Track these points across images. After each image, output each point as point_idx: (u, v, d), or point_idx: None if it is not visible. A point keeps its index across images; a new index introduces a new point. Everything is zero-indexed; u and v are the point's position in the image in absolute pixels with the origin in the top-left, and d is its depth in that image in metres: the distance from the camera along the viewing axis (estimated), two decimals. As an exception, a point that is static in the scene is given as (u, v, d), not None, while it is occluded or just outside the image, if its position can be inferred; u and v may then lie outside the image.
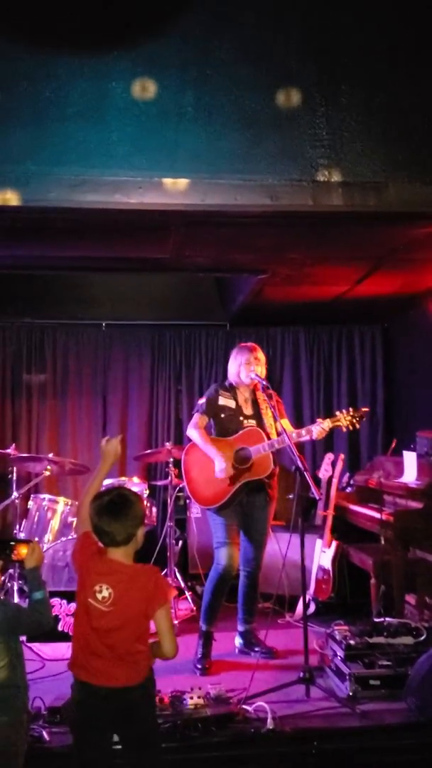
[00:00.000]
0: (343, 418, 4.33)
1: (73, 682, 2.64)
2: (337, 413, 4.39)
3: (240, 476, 4.34)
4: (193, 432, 4.50)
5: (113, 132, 3.50)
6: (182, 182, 3.45)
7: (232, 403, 4.50)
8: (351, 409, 4.38)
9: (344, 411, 4.38)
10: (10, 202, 3.35)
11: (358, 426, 4.37)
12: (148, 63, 3.53)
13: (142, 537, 2.70)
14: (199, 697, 3.52)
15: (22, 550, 2.89)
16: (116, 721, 2.57)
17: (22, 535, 5.49)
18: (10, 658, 2.55)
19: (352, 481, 5.93)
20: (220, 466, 4.31)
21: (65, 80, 3.48)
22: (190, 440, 4.58)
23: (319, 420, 4.37)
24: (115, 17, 3.51)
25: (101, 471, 3.00)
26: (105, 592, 2.56)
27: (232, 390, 4.54)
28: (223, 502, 4.35)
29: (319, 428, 4.26)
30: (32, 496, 5.71)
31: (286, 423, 4.38)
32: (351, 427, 4.36)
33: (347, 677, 3.75)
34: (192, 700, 3.50)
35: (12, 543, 2.98)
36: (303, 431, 4.32)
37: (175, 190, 3.44)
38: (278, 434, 4.36)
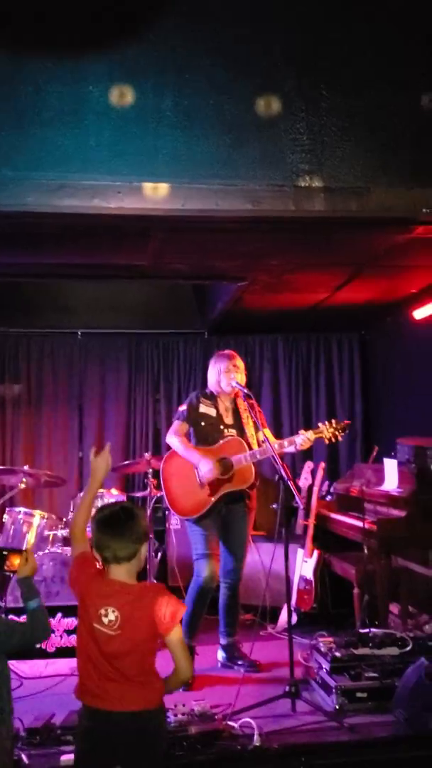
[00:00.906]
0: (326, 430, 4.29)
1: (81, 710, 2.50)
2: (320, 425, 4.35)
3: (220, 486, 4.27)
4: (173, 439, 4.42)
5: (91, 136, 3.43)
6: (162, 187, 3.38)
7: (212, 412, 4.43)
8: (334, 421, 4.35)
9: (327, 423, 4.34)
10: (-15, 207, 3.26)
11: (340, 438, 4.34)
12: (125, 67, 3.46)
13: (145, 555, 2.59)
14: (183, 714, 3.43)
15: (15, 561, 2.79)
16: (127, 749, 2.41)
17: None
18: None
19: (332, 490, 5.89)
20: (207, 467, 4.22)
21: (42, 84, 3.40)
22: (168, 449, 4.50)
23: (301, 431, 4.33)
24: (92, 21, 3.44)
25: (92, 486, 2.86)
26: (111, 615, 2.44)
27: (212, 398, 4.48)
28: (203, 513, 4.27)
29: (303, 438, 4.22)
30: (7, 509, 5.58)
31: (268, 433, 4.33)
32: (333, 439, 4.32)
33: (333, 690, 3.68)
34: (176, 717, 3.40)
35: (4, 553, 2.88)
36: (285, 442, 4.27)
37: (155, 195, 3.37)
38: (260, 444, 4.31)
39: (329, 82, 3.58)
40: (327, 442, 4.35)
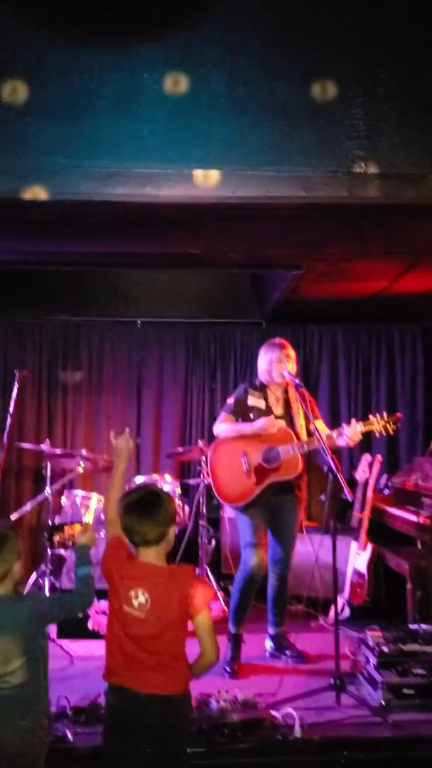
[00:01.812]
0: (377, 423, 4.21)
1: (107, 689, 2.54)
2: (371, 417, 4.28)
3: (267, 476, 4.25)
4: (219, 426, 4.44)
5: (145, 124, 3.44)
6: (213, 174, 3.37)
7: (261, 403, 4.40)
8: (385, 414, 4.28)
9: (378, 415, 4.27)
10: (39, 196, 3.31)
11: (391, 432, 4.25)
12: (180, 54, 3.46)
13: (173, 537, 2.61)
14: (226, 701, 3.45)
15: (76, 527, 2.88)
16: (152, 734, 2.42)
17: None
18: (30, 655, 2.45)
19: (389, 483, 5.80)
20: (262, 423, 4.20)
21: (97, 72, 3.43)
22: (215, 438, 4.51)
23: (352, 421, 4.27)
24: (148, 8, 3.45)
25: (118, 469, 2.91)
26: (141, 597, 2.46)
27: (262, 389, 4.45)
28: (249, 501, 4.27)
29: (352, 431, 4.16)
30: (66, 492, 5.71)
31: (320, 424, 4.28)
32: (384, 432, 4.24)
33: (379, 685, 3.64)
34: (219, 704, 3.42)
35: (66, 525, 3.00)
36: (334, 433, 4.21)
37: (205, 182, 3.36)
38: (309, 435, 4.27)
39: (387, 66, 3.49)
40: (377, 435, 4.28)
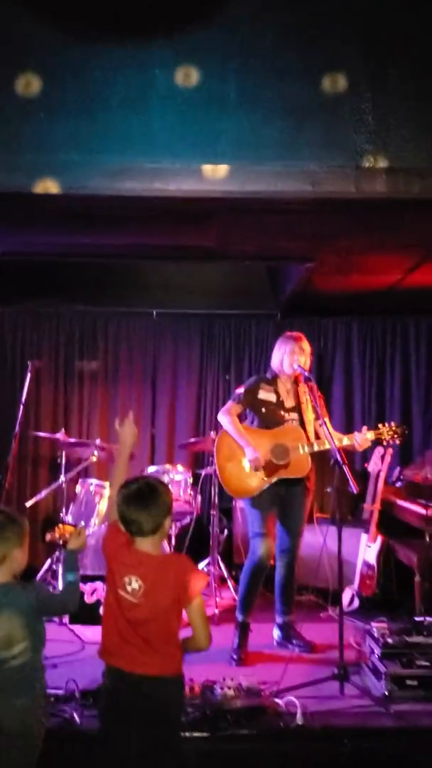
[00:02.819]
0: (386, 432, 4.34)
1: (104, 670, 2.63)
2: (380, 426, 4.39)
3: (276, 471, 4.29)
4: (224, 418, 4.46)
5: (155, 120, 3.50)
6: (221, 169, 3.41)
7: (272, 397, 4.44)
8: (393, 424, 4.39)
9: (387, 424, 4.39)
10: (50, 190, 3.39)
11: (398, 442, 4.40)
12: (191, 51, 3.51)
13: (169, 527, 2.68)
14: (230, 688, 3.51)
15: (68, 529, 2.94)
16: (144, 715, 2.50)
17: (69, 519, 5.59)
18: (32, 640, 2.54)
19: (401, 476, 5.82)
20: (251, 455, 4.27)
21: (110, 70, 3.49)
22: (221, 427, 4.56)
23: (363, 429, 4.37)
24: (159, 6, 3.49)
25: (122, 455, 2.98)
26: (134, 584, 2.53)
27: (273, 382, 4.48)
28: (255, 497, 4.33)
29: (362, 437, 4.28)
30: (80, 480, 5.79)
31: (327, 423, 4.30)
32: (391, 441, 4.39)
33: (383, 676, 3.68)
34: (223, 691, 3.49)
35: (60, 524, 3.06)
36: (345, 438, 4.28)
37: (213, 177, 3.41)
38: (316, 430, 4.35)
39: (396, 61, 3.51)
40: (384, 443, 4.39)
